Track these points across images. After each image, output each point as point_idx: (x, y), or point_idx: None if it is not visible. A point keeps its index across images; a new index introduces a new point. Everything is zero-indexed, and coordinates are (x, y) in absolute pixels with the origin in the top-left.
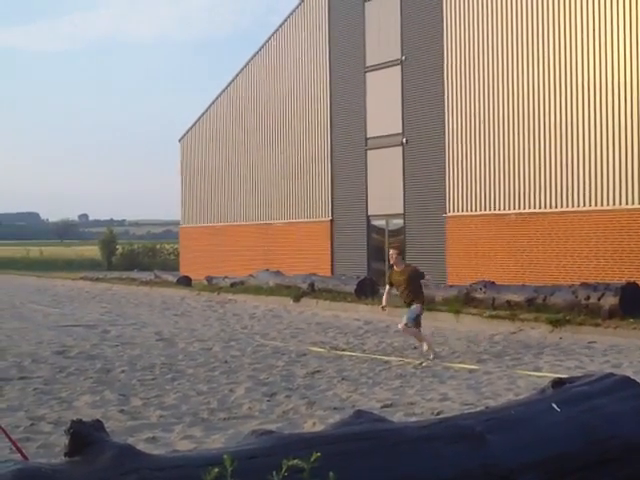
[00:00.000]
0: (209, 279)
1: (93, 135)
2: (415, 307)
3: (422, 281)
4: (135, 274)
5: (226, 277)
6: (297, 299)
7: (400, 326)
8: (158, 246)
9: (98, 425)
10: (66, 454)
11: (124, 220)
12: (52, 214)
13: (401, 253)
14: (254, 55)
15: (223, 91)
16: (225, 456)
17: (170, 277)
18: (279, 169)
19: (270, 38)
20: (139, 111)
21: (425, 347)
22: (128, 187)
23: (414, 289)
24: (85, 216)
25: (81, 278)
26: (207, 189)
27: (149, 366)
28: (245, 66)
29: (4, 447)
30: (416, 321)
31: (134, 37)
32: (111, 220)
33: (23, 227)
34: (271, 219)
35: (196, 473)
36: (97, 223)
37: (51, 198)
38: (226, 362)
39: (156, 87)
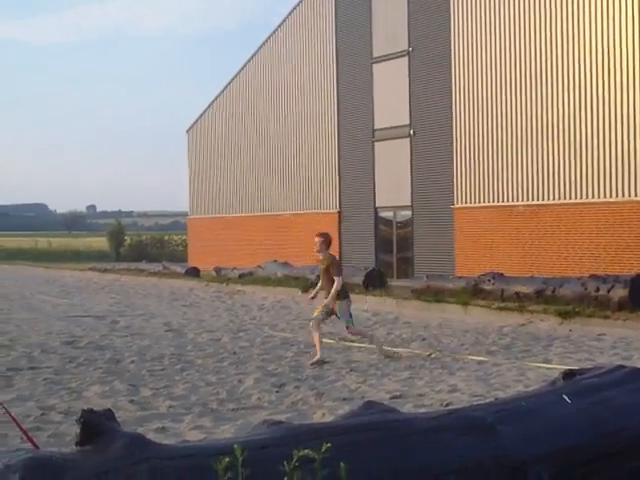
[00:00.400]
0: (217, 270)
1: (101, 127)
2: (342, 305)
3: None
4: (143, 265)
5: (234, 268)
6: (305, 290)
7: (345, 333)
8: (166, 237)
9: (109, 414)
10: (77, 443)
11: (132, 211)
12: (60, 205)
13: (327, 241)
14: (260, 47)
15: (230, 83)
16: (236, 446)
17: (178, 268)
18: (287, 160)
19: (276, 30)
20: (148, 103)
21: (317, 350)
22: (136, 178)
23: (331, 281)
24: (93, 207)
25: (89, 269)
26: (215, 180)
27: (158, 357)
28: (251, 58)
29: (15, 436)
30: (351, 316)
31: (141, 30)
32: (119, 211)
33: (31, 218)
34: (279, 210)
35: (207, 463)
36: (105, 214)
37: (59, 189)
38: (235, 353)
39: (164, 79)
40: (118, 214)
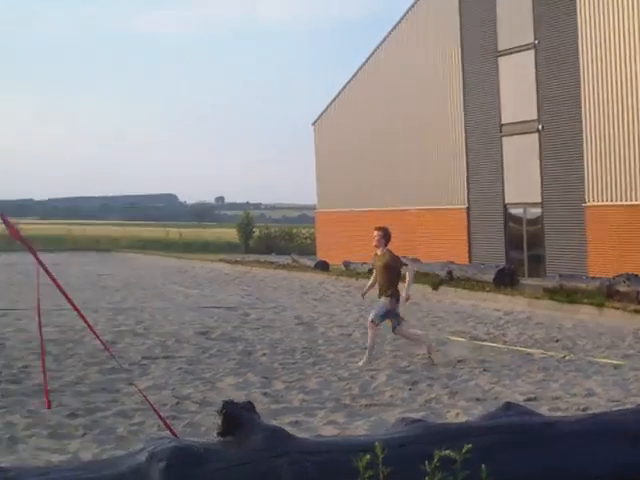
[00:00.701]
0: (346, 264)
1: (229, 118)
2: (383, 301)
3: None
4: (273, 257)
5: (364, 263)
6: (435, 287)
7: (368, 323)
8: (294, 230)
9: (249, 406)
10: (219, 434)
11: (260, 204)
12: (189, 196)
13: (386, 235)
14: (384, 39)
15: (354, 75)
16: (376, 443)
17: (307, 261)
18: (414, 154)
19: (400, 21)
20: (275, 94)
21: (425, 349)
22: (264, 171)
23: (389, 279)
24: (221, 199)
25: (220, 260)
26: (342, 174)
27: (290, 350)
28: (376, 50)
29: (152, 424)
30: (386, 317)
31: (267, 22)
32: (247, 203)
33: (161, 209)
34: (407, 205)
35: (346, 459)
36: (233, 206)
37: (188, 180)
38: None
39: (291, 70)
40: (246, 206)
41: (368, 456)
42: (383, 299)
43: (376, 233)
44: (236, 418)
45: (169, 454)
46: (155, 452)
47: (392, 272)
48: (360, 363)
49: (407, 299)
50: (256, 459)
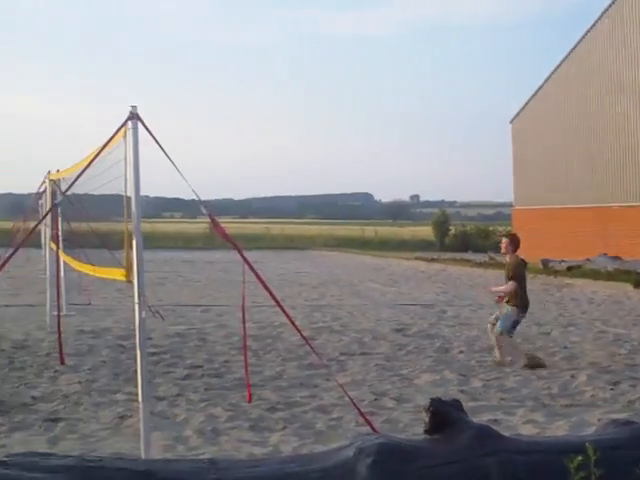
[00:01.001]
0: (544, 262)
1: (423, 118)
2: (509, 311)
3: None
4: (469, 255)
5: (562, 261)
6: (637, 285)
7: (494, 336)
8: (491, 228)
9: (457, 404)
10: (426, 431)
11: (455, 202)
12: (384, 195)
13: (514, 241)
14: (584, 35)
15: (554, 72)
16: (587, 445)
17: (504, 259)
18: (616, 150)
19: (600, 17)
20: (470, 92)
21: (498, 355)
22: (459, 169)
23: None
24: (416, 197)
25: (415, 258)
26: (540, 171)
27: (487, 348)
28: (575, 47)
29: (351, 420)
30: (514, 327)
31: (464, 19)
32: (442, 201)
33: (357, 207)
34: (608, 202)
35: (556, 459)
36: (428, 204)
37: (383, 179)
38: (566, 347)
39: (487, 68)
40: (441, 204)
41: (580, 457)
42: (509, 309)
43: (503, 240)
44: (444, 416)
45: (376, 450)
46: (363, 447)
47: (518, 280)
48: (516, 365)
49: (491, 290)
50: (464, 458)
